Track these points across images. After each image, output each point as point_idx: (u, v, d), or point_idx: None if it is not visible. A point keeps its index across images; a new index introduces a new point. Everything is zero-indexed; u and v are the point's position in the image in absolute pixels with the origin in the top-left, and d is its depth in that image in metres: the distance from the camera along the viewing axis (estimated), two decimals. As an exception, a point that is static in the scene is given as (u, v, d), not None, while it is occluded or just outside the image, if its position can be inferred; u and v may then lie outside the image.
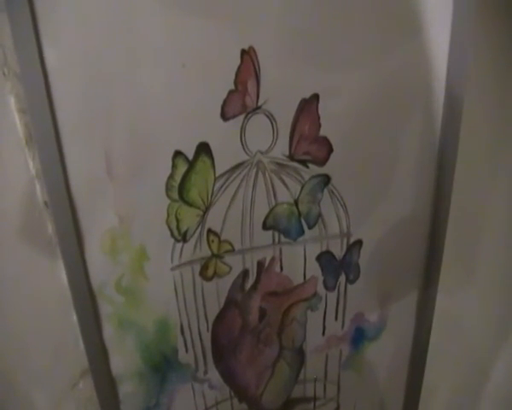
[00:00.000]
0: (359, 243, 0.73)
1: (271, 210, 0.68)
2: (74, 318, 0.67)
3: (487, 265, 0.81)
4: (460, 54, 0.66)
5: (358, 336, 0.80)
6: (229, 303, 0.72)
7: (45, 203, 0.62)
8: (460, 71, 0.67)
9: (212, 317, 0.72)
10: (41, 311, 0.67)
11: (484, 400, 0.91)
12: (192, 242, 0.67)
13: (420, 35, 0.64)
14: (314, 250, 0.72)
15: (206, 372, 0.76)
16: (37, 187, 0.61)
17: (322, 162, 0.67)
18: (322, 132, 0.66)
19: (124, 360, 0.71)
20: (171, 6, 0.56)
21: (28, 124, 0.58)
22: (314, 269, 0.73)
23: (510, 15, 0.67)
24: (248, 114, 0.62)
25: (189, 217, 0.65)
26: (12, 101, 0.58)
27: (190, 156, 0.62)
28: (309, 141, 0.65)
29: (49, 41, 0.54)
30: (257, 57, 0.60)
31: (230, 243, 0.69)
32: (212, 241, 0.68)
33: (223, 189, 0.65)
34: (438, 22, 0.64)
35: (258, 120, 0.63)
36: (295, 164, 0.67)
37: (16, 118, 0.58)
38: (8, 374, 0.68)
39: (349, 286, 0.76)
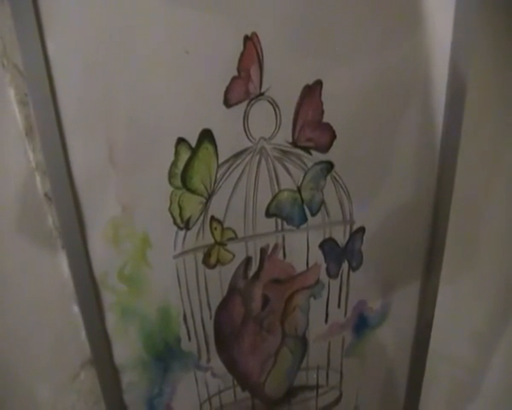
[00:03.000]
0: (362, 230, 0.74)
1: (274, 197, 0.68)
2: (75, 310, 0.68)
3: (489, 253, 0.82)
4: (464, 35, 0.66)
5: (361, 324, 0.81)
6: (232, 291, 0.72)
7: (45, 195, 0.62)
8: (463, 55, 0.67)
9: (214, 305, 0.72)
10: (41, 303, 0.67)
11: (485, 386, 0.91)
12: (195, 229, 0.67)
13: (423, 22, 0.64)
14: (317, 237, 0.72)
15: (208, 361, 0.76)
16: (38, 179, 0.61)
17: (325, 149, 0.67)
18: (326, 119, 0.66)
19: (127, 349, 0.71)
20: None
21: (28, 116, 0.58)
22: (317, 256, 0.73)
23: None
24: (251, 100, 0.62)
25: (192, 204, 0.65)
26: (12, 92, 0.57)
27: (193, 143, 0.62)
28: (312, 127, 0.65)
29: (51, 31, 0.54)
30: (260, 43, 0.60)
31: (233, 231, 0.69)
32: (215, 228, 0.68)
33: (226, 176, 0.65)
34: (440, 12, 0.64)
35: (262, 107, 0.63)
36: (298, 151, 0.66)
37: (16, 110, 0.58)
38: (10, 366, 0.68)
39: (352, 273, 0.76)
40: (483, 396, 0.92)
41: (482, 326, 0.87)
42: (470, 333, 0.88)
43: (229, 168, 0.65)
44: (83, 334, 0.69)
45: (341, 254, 0.74)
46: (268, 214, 0.69)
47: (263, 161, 0.66)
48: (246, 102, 0.62)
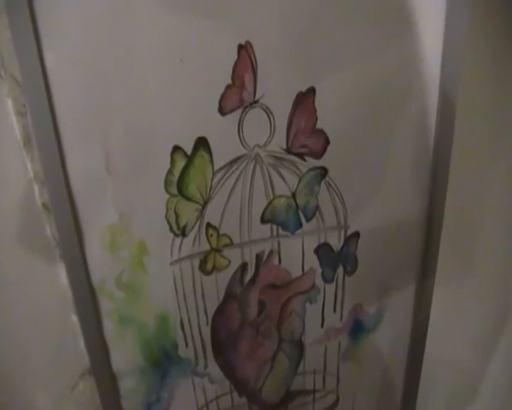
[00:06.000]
0: (357, 234, 0.74)
1: (269, 203, 0.69)
2: (73, 319, 0.68)
3: (484, 255, 0.82)
4: (454, 44, 0.66)
5: (357, 328, 0.81)
6: (229, 297, 0.72)
7: (43, 205, 0.62)
8: (454, 64, 0.67)
9: (211, 311, 0.73)
10: (40, 313, 0.67)
11: (483, 390, 0.91)
12: (191, 236, 0.67)
13: (414, 28, 0.65)
14: (312, 243, 0.73)
15: (206, 367, 0.76)
16: (36, 189, 0.61)
17: (319, 155, 0.68)
18: (319, 125, 0.66)
19: (124, 355, 0.71)
20: (169, 1, 0.56)
21: (26, 126, 0.58)
22: (312, 261, 0.74)
23: (504, 13, 0.68)
24: (246, 108, 0.63)
25: (188, 211, 0.66)
26: (9, 103, 0.58)
27: (189, 151, 0.63)
28: (306, 134, 0.66)
29: (48, 42, 0.54)
30: (254, 52, 0.60)
31: (229, 237, 0.69)
32: (211, 235, 0.68)
33: (221, 183, 0.66)
34: (432, 19, 0.65)
35: (256, 114, 0.63)
36: (292, 157, 0.67)
37: (14, 120, 0.58)
38: (9, 376, 0.68)
39: (347, 278, 0.76)
40: (480, 400, 0.92)
41: (478, 329, 0.87)
42: (466, 336, 0.88)
43: (224, 175, 0.65)
44: (81, 343, 0.69)
45: (336, 259, 0.75)
46: (263, 220, 0.70)
47: (258, 168, 0.66)
48: (240, 110, 0.63)
